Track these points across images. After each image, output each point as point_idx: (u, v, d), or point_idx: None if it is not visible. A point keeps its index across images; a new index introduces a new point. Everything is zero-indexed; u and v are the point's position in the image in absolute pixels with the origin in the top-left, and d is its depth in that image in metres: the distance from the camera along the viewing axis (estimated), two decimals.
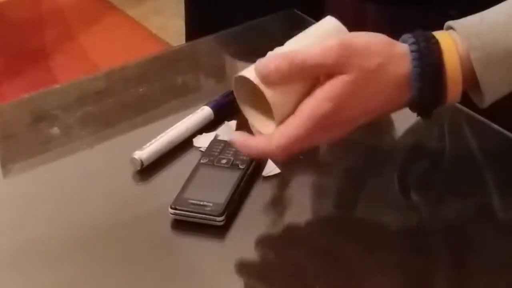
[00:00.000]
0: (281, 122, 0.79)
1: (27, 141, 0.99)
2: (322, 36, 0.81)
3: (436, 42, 0.80)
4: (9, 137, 1.01)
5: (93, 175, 0.91)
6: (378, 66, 0.79)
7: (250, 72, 0.80)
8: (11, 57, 2.68)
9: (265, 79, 0.78)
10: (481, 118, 0.94)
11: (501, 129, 0.93)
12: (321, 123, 0.78)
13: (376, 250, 0.80)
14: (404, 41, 0.81)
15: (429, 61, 0.79)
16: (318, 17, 1.12)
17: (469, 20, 0.81)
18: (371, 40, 0.80)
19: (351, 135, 0.92)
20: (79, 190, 0.89)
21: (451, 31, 0.81)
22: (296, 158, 0.89)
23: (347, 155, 0.92)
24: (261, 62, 0.79)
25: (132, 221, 0.85)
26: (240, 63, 1.12)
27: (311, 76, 0.79)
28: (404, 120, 0.90)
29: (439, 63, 0.79)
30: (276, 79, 0.78)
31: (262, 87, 0.78)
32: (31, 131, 1.01)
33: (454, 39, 0.80)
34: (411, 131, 0.95)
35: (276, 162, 0.87)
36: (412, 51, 0.79)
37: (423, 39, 0.80)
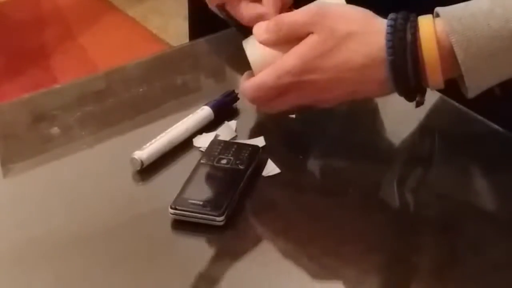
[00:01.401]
0: None
1: (27, 141, 0.99)
2: None
3: (414, 21, 0.81)
4: (9, 137, 1.01)
5: (93, 175, 0.91)
6: (350, 33, 0.82)
7: (249, 43, 0.90)
8: (11, 57, 2.68)
9: (259, 38, 0.88)
10: (481, 118, 0.94)
11: (501, 129, 0.93)
12: (287, 77, 0.84)
13: (376, 250, 0.80)
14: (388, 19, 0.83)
15: (401, 35, 0.80)
16: None
17: (455, 6, 0.82)
18: (351, 10, 0.85)
19: (351, 135, 0.92)
20: (79, 190, 0.89)
21: (436, 18, 0.82)
22: (296, 158, 0.89)
23: (347, 155, 0.91)
24: (257, 24, 0.89)
25: (132, 221, 0.85)
26: (240, 63, 1.11)
27: (290, 34, 0.85)
28: (404, 120, 0.90)
29: (413, 39, 0.80)
30: (266, 39, 0.87)
31: (247, 53, 0.89)
32: (31, 131, 1.01)
33: (435, 22, 0.81)
34: (411, 131, 0.95)
35: (257, 110, 0.92)
36: (388, 26, 0.81)
37: (402, 17, 0.82)
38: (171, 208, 0.83)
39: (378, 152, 0.92)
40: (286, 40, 0.86)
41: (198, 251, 0.81)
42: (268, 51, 0.87)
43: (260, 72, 0.86)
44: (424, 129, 0.95)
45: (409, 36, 0.80)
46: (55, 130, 0.98)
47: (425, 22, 0.81)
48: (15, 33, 2.79)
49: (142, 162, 0.90)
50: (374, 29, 0.82)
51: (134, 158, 0.90)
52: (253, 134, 0.94)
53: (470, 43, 0.79)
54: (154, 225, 0.84)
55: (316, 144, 0.93)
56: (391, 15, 0.83)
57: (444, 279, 0.78)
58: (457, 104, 0.93)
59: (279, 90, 0.85)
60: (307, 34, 0.84)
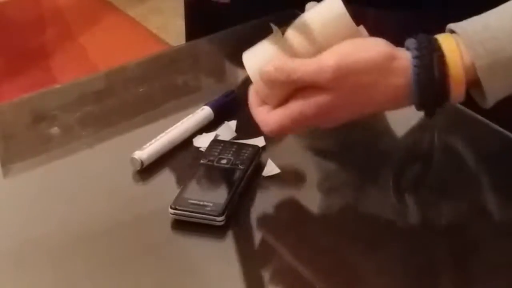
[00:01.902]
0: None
1: (27, 141, 0.99)
2: (327, 27, 0.83)
3: (441, 56, 0.79)
4: (9, 137, 1.01)
5: (93, 175, 0.91)
6: (373, 82, 0.80)
7: (249, 59, 0.85)
8: (11, 57, 2.67)
9: (265, 83, 0.82)
10: (481, 118, 0.94)
11: (501, 129, 0.93)
12: (305, 122, 0.82)
13: (376, 250, 0.80)
14: (408, 48, 0.81)
15: (430, 75, 0.79)
16: None
17: (473, 26, 0.81)
18: (370, 57, 0.80)
19: (351, 135, 0.92)
20: (79, 190, 0.89)
21: (455, 35, 0.80)
22: (296, 158, 0.90)
23: (347, 155, 0.92)
24: (265, 70, 0.82)
25: (132, 221, 0.85)
26: (240, 63, 1.11)
27: (300, 85, 0.81)
28: (404, 120, 0.90)
29: (442, 76, 0.79)
30: (273, 86, 0.82)
31: (253, 80, 0.83)
32: (31, 131, 1.01)
33: (459, 46, 0.79)
34: (411, 131, 0.95)
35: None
36: (413, 66, 0.79)
37: (427, 52, 0.79)
38: (171, 208, 0.83)
39: (378, 152, 0.92)
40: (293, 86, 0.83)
41: (198, 251, 0.81)
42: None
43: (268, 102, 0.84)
44: (424, 129, 0.95)
45: (437, 73, 0.79)
46: (55, 130, 0.98)
47: (450, 51, 0.79)
48: (15, 33, 2.78)
49: (142, 162, 0.90)
50: (397, 71, 0.80)
51: (134, 158, 0.90)
52: (253, 134, 0.94)
53: (494, 67, 0.79)
54: (154, 225, 0.84)
55: (316, 144, 0.93)
56: (414, 49, 0.80)
57: (444, 279, 0.78)
58: (456, 104, 0.93)
59: (303, 122, 0.83)
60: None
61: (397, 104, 0.82)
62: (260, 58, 0.84)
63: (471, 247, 0.80)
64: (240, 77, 1.07)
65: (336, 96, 0.80)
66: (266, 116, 0.83)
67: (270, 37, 0.85)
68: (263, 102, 0.84)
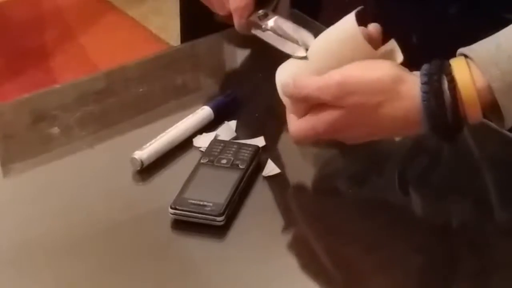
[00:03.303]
0: None
1: (27, 141, 0.99)
2: (339, 48, 0.85)
3: (451, 81, 0.78)
4: (9, 137, 1.01)
5: (93, 175, 0.91)
6: (380, 104, 0.80)
7: (279, 74, 0.89)
8: (11, 57, 2.67)
9: (286, 96, 0.86)
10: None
11: (501, 129, 0.93)
12: (319, 136, 0.84)
13: (376, 250, 0.80)
14: (421, 73, 0.80)
15: (440, 102, 0.78)
16: (317, 17, 1.12)
17: (485, 48, 0.79)
18: (376, 77, 0.81)
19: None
20: (79, 190, 0.89)
21: (467, 59, 0.79)
22: (296, 158, 0.89)
23: (347, 154, 0.92)
24: (284, 84, 0.85)
25: (132, 221, 0.85)
26: (240, 63, 1.12)
27: (310, 103, 0.84)
28: None
29: (454, 100, 0.78)
30: (292, 101, 0.85)
31: (281, 96, 0.87)
32: (31, 131, 1.01)
33: (471, 70, 0.78)
34: None
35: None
36: (423, 92, 0.78)
37: (436, 79, 0.78)
38: (171, 208, 0.83)
39: (378, 152, 0.92)
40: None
41: (198, 251, 0.81)
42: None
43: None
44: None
45: (448, 99, 0.78)
46: (55, 130, 0.98)
47: (462, 78, 0.78)
48: (15, 33, 2.78)
49: (142, 162, 0.90)
50: (405, 94, 0.80)
51: (134, 158, 0.90)
52: (253, 134, 0.94)
53: (510, 88, 0.77)
54: (154, 225, 0.84)
55: (316, 144, 0.93)
56: (424, 75, 0.79)
57: (444, 279, 0.78)
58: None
59: (315, 138, 0.86)
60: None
61: (409, 129, 0.82)
62: (285, 74, 0.87)
63: (471, 247, 0.80)
64: (240, 77, 1.07)
65: (342, 115, 0.81)
66: (290, 124, 0.86)
67: (297, 54, 0.89)
68: (293, 111, 0.86)
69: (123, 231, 0.85)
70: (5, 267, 0.81)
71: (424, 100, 0.78)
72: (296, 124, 0.85)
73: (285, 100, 0.86)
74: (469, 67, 0.78)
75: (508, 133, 0.92)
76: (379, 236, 0.82)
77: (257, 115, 0.99)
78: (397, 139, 0.91)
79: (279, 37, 0.92)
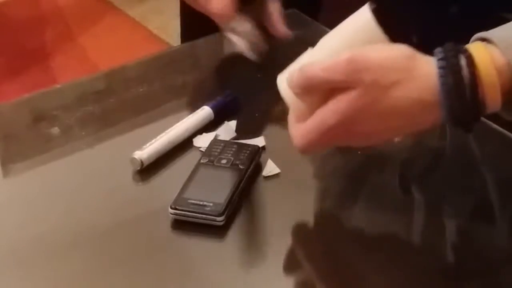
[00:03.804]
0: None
1: (27, 141, 0.99)
2: (351, 38, 0.81)
3: (468, 56, 0.75)
4: (9, 137, 1.01)
5: (93, 175, 0.91)
6: (395, 83, 0.75)
7: (282, 81, 0.83)
8: (11, 57, 2.68)
9: (291, 88, 0.80)
10: (481, 118, 0.94)
11: (501, 129, 0.93)
12: (329, 133, 0.77)
13: (376, 250, 0.80)
14: (435, 55, 0.77)
15: (458, 77, 0.74)
16: (318, 17, 1.12)
17: (503, 30, 0.77)
18: (389, 55, 0.77)
19: None
20: (79, 190, 0.89)
21: (485, 43, 0.76)
22: (296, 158, 0.89)
23: (347, 154, 0.91)
24: (290, 74, 0.80)
25: (132, 221, 0.85)
26: (240, 63, 1.11)
27: (323, 90, 0.78)
28: None
29: (472, 78, 0.74)
30: (297, 91, 0.79)
31: (285, 99, 0.82)
32: (31, 131, 1.01)
33: (491, 51, 0.75)
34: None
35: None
36: (439, 68, 0.75)
37: (452, 54, 0.75)
38: (171, 208, 0.83)
39: (378, 153, 0.92)
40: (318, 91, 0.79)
41: (198, 251, 0.81)
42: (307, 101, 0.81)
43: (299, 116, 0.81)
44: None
45: (467, 76, 0.74)
46: (55, 130, 0.98)
47: (480, 55, 0.75)
48: (15, 33, 2.79)
49: (142, 162, 0.90)
50: (421, 73, 0.75)
51: (134, 158, 0.90)
52: (253, 134, 0.94)
53: None
54: (154, 225, 0.84)
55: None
56: (439, 52, 0.75)
57: (444, 279, 0.78)
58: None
59: (324, 140, 0.79)
60: (345, 88, 0.77)
61: (425, 114, 0.76)
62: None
63: (471, 247, 0.80)
64: (240, 77, 1.07)
65: (354, 98, 0.75)
66: (294, 130, 0.80)
67: (302, 56, 0.85)
68: (299, 119, 0.81)
69: (123, 231, 0.85)
70: (5, 267, 0.81)
71: (441, 76, 0.74)
72: (301, 127, 0.79)
73: (291, 102, 0.81)
74: (486, 47, 0.75)
75: (508, 133, 0.92)
76: (379, 236, 0.82)
77: (257, 115, 0.99)
78: (396, 139, 0.89)
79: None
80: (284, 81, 0.81)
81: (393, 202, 0.87)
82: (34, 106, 1.05)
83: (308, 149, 0.80)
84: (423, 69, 0.75)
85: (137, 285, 0.78)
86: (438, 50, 0.76)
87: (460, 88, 0.74)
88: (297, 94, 0.79)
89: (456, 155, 0.92)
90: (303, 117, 0.80)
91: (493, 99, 0.75)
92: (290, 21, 1.09)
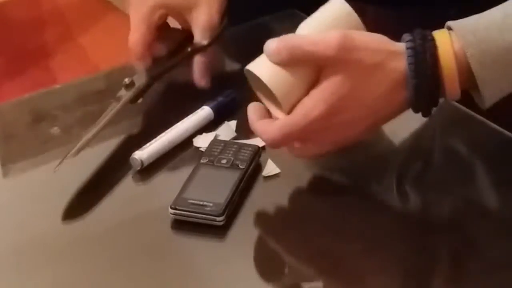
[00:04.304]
0: (289, 110, 0.83)
1: (27, 141, 0.99)
2: (331, 23, 0.83)
3: (432, 39, 0.81)
4: (9, 137, 1.01)
5: (93, 175, 0.91)
6: (376, 65, 0.80)
7: (257, 66, 0.84)
8: (11, 57, 2.68)
9: (269, 57, 0.82)
10: (481, 118, 0.94)
11: (501, 129, 0.93)
12: (316, 123, 0.81)
13: (376, 250, 0.80)
14: (403, 40, 0.82)
15: (422, 57, 0.80)
16: None
17: (467, 19, 0.83)
18: (372, 38, 0.82)
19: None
20: (79, 190, 0.89)
21: (450, 31, 0.82)
22: (296, 158, 0.89)
23: (347, 154, 0.91)
24: (267, 43, 0.82)
25: (132, 221, 0.85)
26: (240, 63, 1.11)
27: (310, 64, 0.81)
28: (403, 120, 0.90)
29: (434, 59, 0.80)
30: (277, 61, 0.82)
31: (266, 82, 0.82)
32: (31, 131, 1.01)
33: (451, 37, 0.81)
34: (410, 131, 0.95)
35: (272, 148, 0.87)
36: (407, 48, 0.81)
37: (420, 37, 0.81)
38: (171, 208, 0.83)
39: (378, 152, 0.92)
40: (301, 64, 0.82)
41: (198, 251, 0.81)
42: (290, 83, 0.82)
43: (283, 99, 0.82)
44: (424, 129, 0.95)
45: (429, 57, 0.80)
46: (55, 130, 0.98)
47: (441, 39, 0.81)
48: (15, 33, 2.79)
49: (142, 162, 0.90)
50: (394, 53, 0.81)
51: (134, 158, 0.90)
52: (253, 134, 0.93)
53: (484, 56, 0.80)
54: (154, 225, 0.84)
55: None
56: (407, 36, 0.82)
57: (444, 279, 0.78)
58: (457, 104, 0.93)
59: (307, 134, 0.83)
60: (327, 68, 0.81)
61: (397, 95, 0.81)
62: (264, 68, 0.83)
63: (471, 247, 0.80)
64: (240, 77, 1.07)
65: (340, 84, 0.79)
66: (267, 126, 0.83)
67: None
68: (264, 116, 0.85)
69: (123, 231, 0.85)
70: (5, 267, 0.81)
71: (408, 56, 0.80)
72: (278, 122, 0.82)
73: (273, 91, 0.82)
74: (449, 34, 0.82)
75: (508, 133, 0.92)
76: (379, 236, 0.82)
77: None
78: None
79: None
80: (256, 70, 0.84)
81: (393, 202, 0.87)
82: (34, 106, 1.05)
83: (279, 142, 0.83)
84: (399, 51, 0.81)
85: (137, 285, 0.78)
86: (406, 34, 0.82)
87: (423, 66, 0.80)
88: (280, 62, 0.81)
89: (456, 155, 0.92)
90: (278, 110, 0.83)
91: (450, 81, 0.81)
92: (290, 21, 1.10)
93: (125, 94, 0.97)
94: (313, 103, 0.81)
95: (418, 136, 0.95)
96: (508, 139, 0.92)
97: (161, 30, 1.03)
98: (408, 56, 0.80)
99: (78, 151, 0.88)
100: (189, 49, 1.03)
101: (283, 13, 1.16)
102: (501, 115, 0.90)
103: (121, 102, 0.95)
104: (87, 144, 0.90)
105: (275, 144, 0.84)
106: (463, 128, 0.95)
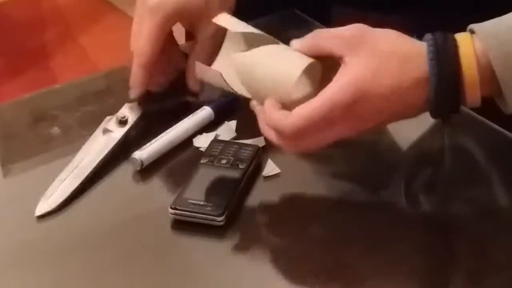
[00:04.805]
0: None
1: (27, 141, 0.99)
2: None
3: (453, 40, 0.80)
4: (9, 137, 1.01)
5: (93, 175, 0.91)
6: (393, 53, 0.80)
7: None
8: (11, 57, 2.68)
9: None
10: (481, 118, 0.94)
11: (501, 129, 0.93)
12: (340, 109, 0.79)
13: (376, 250, 0.80)
14: (424, 40, 0.82)
15: (444, 57, 0.79)
16: (322, 20, 1.11)
17: (489, 22, 0.81)
18: (391, 33, 0.82)
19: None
20: (79, 190, 0.89)
21: (472, 34, 0.81)
22: (296, 158, 0.89)
23: (347, 155, 0.91)
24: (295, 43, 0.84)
25: (132, 221, 0.85)
26: None
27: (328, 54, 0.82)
28: (404, 120, 0.90)
29: (455, 61, 0.79)
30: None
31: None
32: (31, 131, 1.01)
33: (473, 40, 0.80)
34: (411, 131, 0.95)
35: (284, 150, 0.85)
36: (429, 47, 0.80)
37: (441, 38, 0.80)
38: (171, 208, 0.83)
39: (379, 152, 0.92)
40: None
41: (198, 251, 0.81)
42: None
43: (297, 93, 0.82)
44: (424, 130, 0.95)
45: (451, 59, 0.79)
46: (55, 130, 0.98)
47: (463, 42, 0.80)
48: (15, 33, 2.79)
49: (142, 162, 0.90)
50: (414, 52, 0.81)
51: (134, 158, 0.90)
52: (253, 134, 0.93)
53: (507, 58, 0.79)
54: (154, 225, 0.84)
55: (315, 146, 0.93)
56: (428, 37, 0.81)
57: (445, 280, 0.78)
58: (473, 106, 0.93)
59: (328, 122, 0.80)
60: (348, 56, 0.81)
61: (417, 94, 0.80)
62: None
63: (472, 247, 0.80)
64: None
65: (359, 68, 0.79)
66: (285, 114, 0.81)
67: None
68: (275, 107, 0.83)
69: (123, 231, 0.84)
70: (4, 267, 0.81)
71: (430, 59, 0.79)
72: (302, 108, 0.80)
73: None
74: (471, 37, 0.80)
75: (508, 133, 0.92)
76: (379, 236, 0.82)
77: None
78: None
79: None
80: (224, 67, 0.85)
81: (393, 202, 0.87)
82: (34, 106, 1.05)
83: (304, 133, 0.80)
84: (415, 49, 0.81)
85: (137, 285, 0.78)
86: (428, 34, 0.81)
87: (445, 68, 0.79)
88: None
89: (456, 155, 0.92)
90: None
91: (471, 85, 0.79)
92: (290, 21, 1.10)
93: (113, 127, 0.94)
94: (341, 86, 0.79)
95: (418, 137, 0.95)
96: (508, 139, 0.92)
97: (165, 49, 0.99)
98: (430, 59, 0.79)
99: (64, 204, 0.86)
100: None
101: (283, 13, 1.16)
102: (501, 115, 0.90)
103: (111, 147, 0.93)
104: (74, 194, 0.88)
105: (295, 134, 0.81)
106: (463, 128, 0.95)
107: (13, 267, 0.81)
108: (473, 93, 0.80)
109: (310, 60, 0.82)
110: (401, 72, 0.80)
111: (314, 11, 1.15)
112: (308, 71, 0.82)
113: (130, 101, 0.97)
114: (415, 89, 0.80)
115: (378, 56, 0.80)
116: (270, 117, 0.82)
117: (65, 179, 0.88)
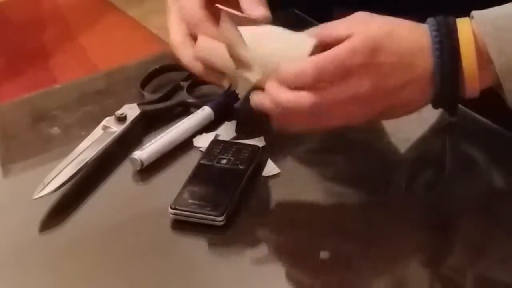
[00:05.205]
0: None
1: (27, 141, 0.99)
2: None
3: (453, 24, 0.82)
4: (9, 137, 1.01)
5: (92, 175, 0.91)
6: (395, 29, 0.82)
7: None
8: (11, 57, 2.67)
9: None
10: (481, 118, 0.94)
11: (501, 129, 0.93)
12: (361, 57, 0.80)
13: (376, 250, 0.80)
14: (427, 23, 0.83)
15: (448, 53, 0.81)
16: (322, 20, 1.11)
17: (490, 9, 0.83)
18: (395, 18, 0.84)
19: (352, 135, 0.92)
20: (79, 190, 0.89)
21: (472, 19, 0.83)
22: (296, 158, 0.90)
23: (347, 154, 0.92)
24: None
25: (132, 221, 0.85)
26: None
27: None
28: (404, 120, 0.90)
29: (455, 46, 0.81)
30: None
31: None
32: (31, 131, 1.01)
33: (472, 26, 0.81)
34: (411, 131, 0.95)
35: (301, 109, 0.82)
36: (435, 47, 0.81)
37: (443, 19, 0.82)
38: (171, 208, 0.83)
39: (378, 152, 0.92)
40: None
41: (198, 251, 0.81)
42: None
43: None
44: (424, 129, 0.95)
45: (454, 56, 0.81)
46: (55, 130, 0.98)
47: (463, 29, 0.82)
48: (15, 33, 2.78)
49: (142, 162, 0.90)
50: (418, 27, 0.83)
51: (134, 158, 0.90)
52: (253, 134, 0.94)
53: (503, 44, 0.80)
54: (154, 225, 0.84)
55: (316, 143, 0.93)
56: (431, 21, 0.83)
57: (445, 280, 0.78)
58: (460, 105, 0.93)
59: (346, 71, 0.80)
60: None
61: (423, 90, 0.82)
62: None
63: (471, 247, 0.81)
64: None
65: (373, 27, 0.81)
66: (303, 66, 0.82)
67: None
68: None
69: (123, 231, 0.85)
70: (4, 267, 0.81)
71: (436, 57, 0.81)
72: (319, 55, 0.81)
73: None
74: (471, 25, 0.82)
75: (508, 133, 0.92)
76: (380, 235, 0.82)
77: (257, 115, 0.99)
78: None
79: None
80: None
81: (393, 201, 0.87)
82: (34, 106, 1.05)
83: (322, 79, 0.80)
84: (419, 28, 0.83)
85: (137, 285, 0.78)
86: (431, 19, 0.83)
87: (448, 61, 0.81)
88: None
89: (456, 154, 0.92)
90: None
91: (469, 66, 0.81)
92: (290, 21, 1.10)
93: (112, 124, 0.94)
94: (355, 38, 0.81)
95: (418, 137, 0.95)
96: (508, 139, 0.92)
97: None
98: (436, 58, 0.81)
99: (60, 186, 0.86)
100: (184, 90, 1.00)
101: (283, 13, 1.16)
102: (501, 115, 0.90)
103: (111, 139, 0.93)
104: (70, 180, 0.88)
105: (317, 76, 0.81)
106: (463, 128, 0.95)
107: (13, 268, 0.81)
108: (472, 81, 0.81)
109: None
110: (411, 39, 0.82)
111: (314, 11, 1.15)
112: (315, 51, 0.83)
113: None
114: (422, 84, 0.82)
115: (389, 23, 0.82)
116: (287, 75, 0.82)
117: (63, 169, 0.88)
